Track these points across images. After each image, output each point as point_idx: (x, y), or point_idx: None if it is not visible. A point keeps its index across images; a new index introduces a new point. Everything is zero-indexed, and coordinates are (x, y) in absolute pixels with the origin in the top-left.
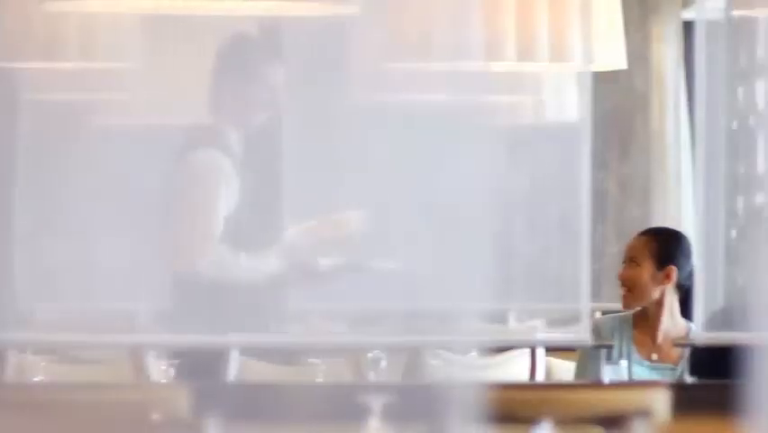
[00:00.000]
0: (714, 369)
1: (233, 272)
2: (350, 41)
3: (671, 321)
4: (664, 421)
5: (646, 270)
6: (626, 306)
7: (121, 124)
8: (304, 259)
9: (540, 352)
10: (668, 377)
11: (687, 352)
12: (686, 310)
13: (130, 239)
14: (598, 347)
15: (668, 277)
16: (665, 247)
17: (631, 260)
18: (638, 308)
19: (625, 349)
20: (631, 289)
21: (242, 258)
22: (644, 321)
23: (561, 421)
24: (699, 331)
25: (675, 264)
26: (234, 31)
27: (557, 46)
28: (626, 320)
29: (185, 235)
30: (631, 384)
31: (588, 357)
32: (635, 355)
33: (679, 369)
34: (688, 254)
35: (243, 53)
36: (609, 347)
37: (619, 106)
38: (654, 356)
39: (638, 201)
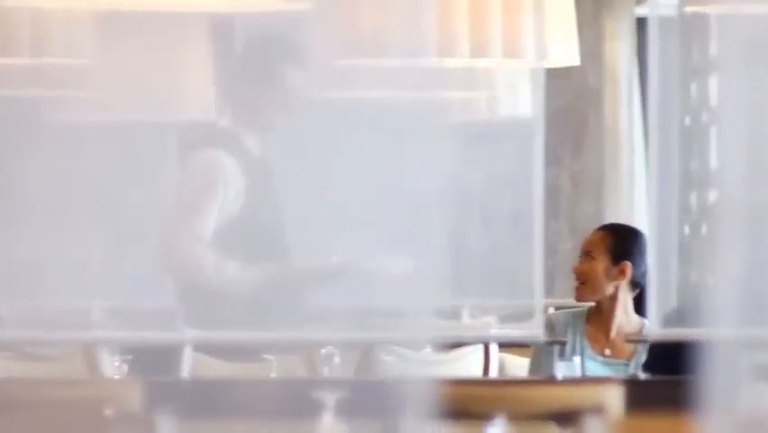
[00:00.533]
0: (670, 366)
1: (213, 279)
2: (302, 36)
3: (624, 317)
4: (618, 417)
5: (601, 264)
6: (579, 298)
7: (75, 121)
8: (307, 271)
9: (493, 348)
10: (621, 373)
11: (640, 347)
12: (640, 310)
13: (86, 236)
14: (551, 343)
15: (622, 273)
16: (621, 243)
17: (587, 254)
18: (592, 304)
19: (578, 345)
20: (585, 282)
21: (231, 266)
22: (598, 317)
23: (514, 417)
24: (653, 327)
25: (630, 261)
26: (251, 31)
27: (510, 42)
28: (579, 316)
29: (168, 235)
30: (584, 381)
31: (541, 353)
32: (589, 351)
33: (632, 364)
34: (644, 252)
35: (260, 54)
36: (563, 343)
37: (572, 103)
38: (608, 352)
39: (591, 197)
